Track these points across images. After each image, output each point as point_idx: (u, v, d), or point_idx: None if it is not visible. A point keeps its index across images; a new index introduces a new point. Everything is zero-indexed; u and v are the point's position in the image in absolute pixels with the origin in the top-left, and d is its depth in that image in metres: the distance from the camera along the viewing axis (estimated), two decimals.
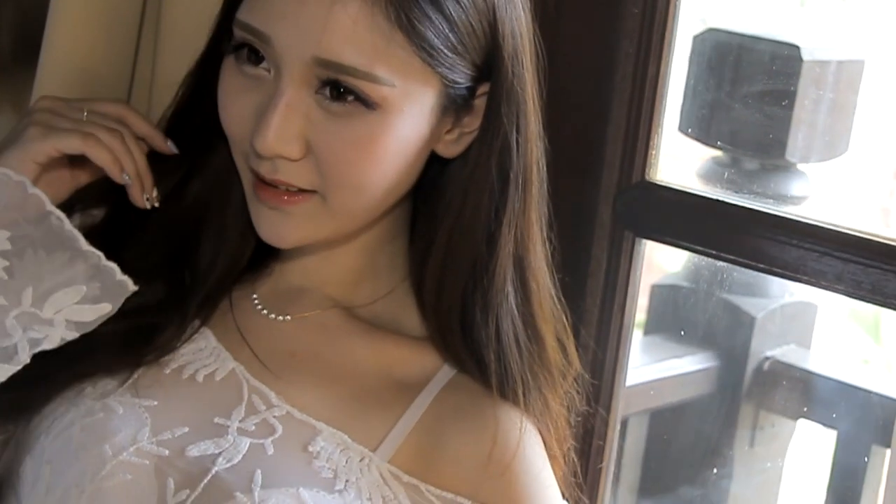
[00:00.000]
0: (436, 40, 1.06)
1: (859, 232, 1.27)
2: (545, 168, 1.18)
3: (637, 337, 2.03)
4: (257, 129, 1.06)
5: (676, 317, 2.01)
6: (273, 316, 1.19)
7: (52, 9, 1.28)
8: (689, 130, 1.91)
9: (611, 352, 1.43)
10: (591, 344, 1.42)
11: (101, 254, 1.09)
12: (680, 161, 2.10)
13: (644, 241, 1.42)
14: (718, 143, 1.87)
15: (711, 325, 1.99)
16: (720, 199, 1.39)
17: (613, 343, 1.43)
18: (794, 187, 1.90)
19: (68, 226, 1.09)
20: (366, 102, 1.06)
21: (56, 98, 1.16)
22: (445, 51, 1.07)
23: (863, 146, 1.87)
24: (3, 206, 1.07)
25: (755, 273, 1.95)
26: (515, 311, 1.16)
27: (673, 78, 1.42)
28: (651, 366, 1.94)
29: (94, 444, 1.07)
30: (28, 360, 1.07)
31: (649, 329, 2.03)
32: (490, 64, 1.11)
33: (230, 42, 1.10)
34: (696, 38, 1.77)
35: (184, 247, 1.19)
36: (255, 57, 1.08)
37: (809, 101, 1.81)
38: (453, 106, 1.11)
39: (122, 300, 1.09)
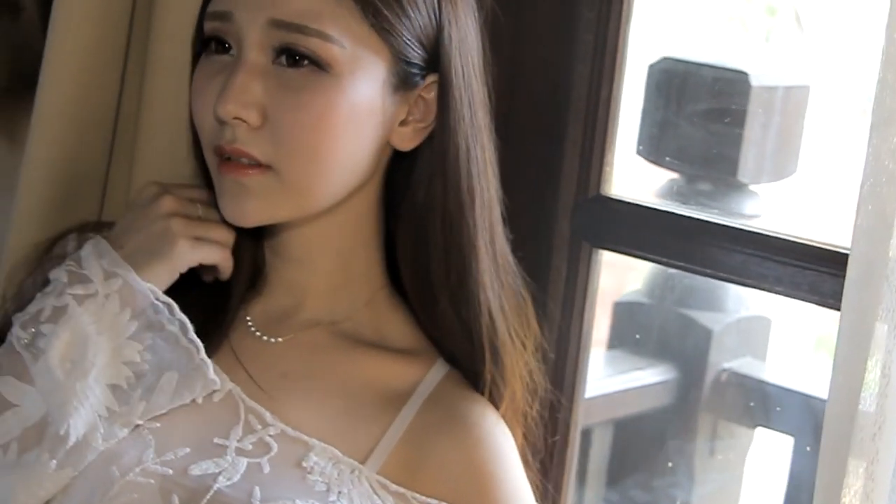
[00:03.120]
0: (383, 9, 1.15)
1: (796, 238, 1.37)
2: (496, 161, 1.27)
3: (601, 352, 2.12)
4: (219, 96, 1.15)
5: (637, 331, 2.10)
6: (266, 338, 1.26)
7: (48, 46, 1.35)
8: (644, 151, 2.01)
9: (571, 357, 1.51)
10: (550, 354, 1.50)
11: (210, 365, 1.17)
12: (638, 182, 2.20)
13: (600, 251, 1.51)
14: (671, 162, 1.97)
15: (671, 338, 2.07)
16: (671, 210, 1.49)
17: (574, 349, 1.51)
18: (748, 206, 1.99)
19: (200, 356, 1.17)
20: (318, 63, 1.14)
21: (175, 197, 1.22)
22: (393, 21, 1.16)
23: (810, 167, 1.97)
24: (145, 323, 1.16)
25: (712, 288, 2.06)
26: (497, 286, 1.25)
27: (630, 103, 1.51)
28: (614, 378, 2.02)
29: (103, 466, 1.13)
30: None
31: (613, 344, 2.11)
32: (437, 55, 1.20)
33: (201, 44, 1.20)
34: (651, 66, 1.87)
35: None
36: (222, 48, 1.18)
37: (758, 124, 1.91)
38: (403, 87, 1.19)
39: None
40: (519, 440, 1.27)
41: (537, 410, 1.31)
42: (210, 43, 1.19)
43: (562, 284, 1.50)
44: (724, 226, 1.42)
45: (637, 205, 1.50)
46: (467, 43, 1.22)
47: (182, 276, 1.21)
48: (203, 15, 1.20)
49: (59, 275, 1.18)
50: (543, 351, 1.34)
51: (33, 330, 1.16)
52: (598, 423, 2.02)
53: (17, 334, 1.16)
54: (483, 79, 1.25)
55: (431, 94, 1.21)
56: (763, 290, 1.39)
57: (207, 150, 1.20)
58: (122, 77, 1.41)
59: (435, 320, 1.25)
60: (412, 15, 1.17)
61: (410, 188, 1.24)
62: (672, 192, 1.99)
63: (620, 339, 2.11)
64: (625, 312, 2.10)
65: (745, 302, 2.07)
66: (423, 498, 1.17)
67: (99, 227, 1.31)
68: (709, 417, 2.03)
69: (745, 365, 2.05)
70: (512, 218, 1.41)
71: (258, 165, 1.16)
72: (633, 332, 2.10)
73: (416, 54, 1.19)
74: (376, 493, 1.16)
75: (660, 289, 2.07)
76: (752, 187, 1.99)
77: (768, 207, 2.00)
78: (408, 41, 1.18)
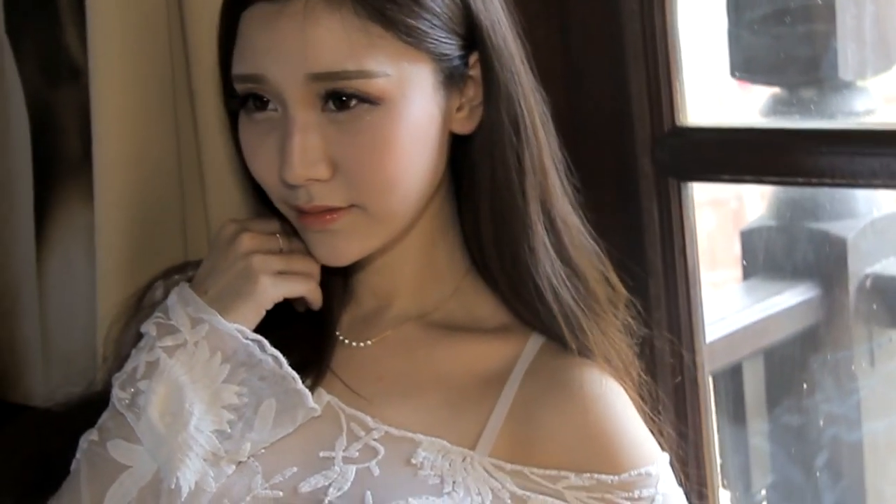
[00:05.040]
0: (410, 20, 1.12)
1: (872, 126, 1.30)
2: (549, 117, 1.23)
3: (736, 284, 2.07)
4: (282, 162, 1.13)
5: (770, 256, 2.04)
6: (355, 344, 1.25)
7: (94, 105, 1.38)
8: (739, 74, 1.95)
9: (682, 298, 1.46)
10: (661, 295, 1.46)
11: (309, 394, 1.17)
12: (739, 104, 2.14)
13: (689, 183, 1.47)
14: (768, 77, 1.91)
15: (805, 256, 2.00)
16: (757, 126, 1.44)
17: (683, 289, 1.47)
18: (858, 104, 1.91)
19: (297, 386, 1.16)
20: (368, 100, 1.12)
21: (253, 234, 1.22)
22: (423, 28, 1.13)
23: None
24: (238, 364, 1.16)
25: (837, 197, 1.98)
26: (552, 252, 1.21)
27: (711, 30, 1.46)
28: (755, 307, 1.96)
29: (215, 501, 1.13)
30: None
31: (747, 274, 2.05)
32: (472, 32, 1.17)
33: (237, 99, 1.18)
34: None
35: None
36: (261, 103, 1.16)
37: (850, 16, 1.83)
38: (452, 80, 1.17)
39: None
40: (633, 399, 1.23)
41: (645, 368, 1.27)
42: (248, 101, 1.17)
43: (657, 227, 1.46)
44: (805, 130, 1.36)
45: (718, 129, 1.46)
46: (493, 6, 1.20)
47: (281, 309, 1.21)
48: (227, 72, 1.18)
49: (148, 328, 1.20)
50: (643, 301, 1.30)
51: (132, 389, 1.17)
52: (746, 357, 1.97)
53: (118, 395, 1.18)
54: (518, 46, 1.22)
55: (477, 71, 1.19)
56: (860, 187, 1.33)
57: (280, 203, 1.19)
58: (175, 119, 1.42)
59: (510, 295, 1.23)
60: (437, 10, 1.14)
61: (472, 167, 1.22)
62: (776, 107, 1.93)
63: (754, 267, 2.05)
64: (754, 239, 2.04)
65: (875, 202, 1.99)
66: (542, 471, 1.15)
67: (184, 268, 1.32)
68: (861, 327, 1.96)
69: (889, 266, 1.97)
70: (589, 170, 1.39)
71: (341, 208, 1.16)
72: (766, 257, 2.04)
73: (453, 45, 1.16)
74: (493, 477, 1.15)
75: (784, 208, 2.00)
76: (858, 84, 1.91)
77: (880, 101, 1.92)
78: (442, 39, 1.15)
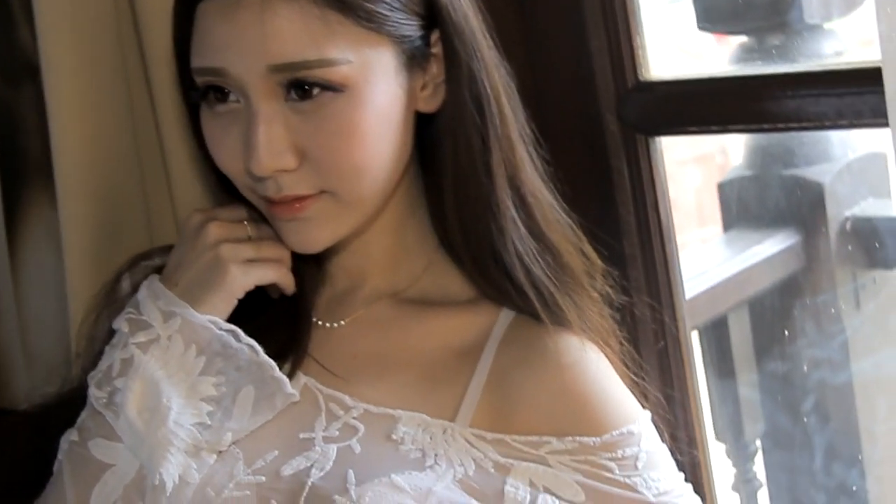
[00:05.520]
0: (368, 5, 1.11)
1: (836, 66, 1.29)
2: (514, 91, 1.22)
3: (717, 236, 2.06)
4: (248, 155, 1.12)
5: (748, 206, 2.03)
6: (329, 325, 1.25)
7: (49, 103, 1.37)
8: (705, 26, 1.94)
9: (658, 255, 1.45)
10: (637, 254, 1.46)
11: (287, 381, 1.16)
12: (709, 57, 2.13)
13: (657, 138, 1.46)
14: (733, 27, 1.90)
15: (784, 203, 2.00)
16: (714, 76, 1.42)
17: (658, 245, 1.45)
18: (826, 46, 1.90)
19: (274, 373, 1.16)
20: (331, 87, 1.11)
21: (220, 223, 1.21)
22: (382, 11, 1.12)
23: None
24: (214, 355, 1.15)
25: (811, 142, 1.98)
26: (522, 228, 1.20)
27: None
28: (736, 258, 1.96)
29: (199, 491, 1.13)
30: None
31: (727, 225, 2.05)
32: (432, 10, 1.16)
33: (196, 91, 1.17)
34: None
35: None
36: (222, 94, 1.14)
37: None
38: (414, 60, 1.16)
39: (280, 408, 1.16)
40: (616, 367, 1.22)
41: (627, 336, 1.27)
42: (208, 93, 1.15)
43: (627, 186, 1.45)
44: (765, 75, 1.35)
45: (681, 81, 1.44)
46: None
47: (254, 296, 1.20)
48: (183, 65, 1.17)
49: (120, 324, 1.19)
50: (618, 266, 1.30)
51: (109, 388, 1.16)
52: (731, 308, 1.96)
53: (95, 394, 1.17)
54: (478, 20, 1.20)
55: (439, 48, 1.18)
56: (826, 129, 1.32)
57: (248, 193, 1.18)
58: (132, 112, 1.41)
59: (476, 273, 1.22)
60: None
61: (435, 147, 1.21)
62: (744, 56, 1.92)
63: (733, 218, 2.04)
64: (731, 191, 2.03)
65: (850, 145, 1.98)
66: (524, 437, 1.14)
67: (150, 255, 1.31)
68: (845, 270, 1.95)
69: (868, 207, 1.97)
70: (556, 133, 1.38)
71: (310, 196, 1.15)
72: (744, 208, 2.03)
73: (413, 25, 1.15)
74: (474, 447, 1.14)
75: (759, 157, 2.00)
76: (825, 27, 1.90)
77: (854, 44, 1.91)
78: (402, 21, 1.14)
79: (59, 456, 1.19)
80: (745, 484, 2.06)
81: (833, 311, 1.94)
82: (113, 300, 1.29)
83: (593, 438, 1.14)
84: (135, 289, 1.25)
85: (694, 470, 1.47)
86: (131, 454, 1.15)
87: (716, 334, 1.97)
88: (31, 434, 1.27)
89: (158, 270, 1.24)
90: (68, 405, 1.23)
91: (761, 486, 2.05)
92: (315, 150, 1.12)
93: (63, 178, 1.36)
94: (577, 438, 1.13)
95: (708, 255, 1.99)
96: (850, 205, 1.96)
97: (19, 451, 1.27)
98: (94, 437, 1.17)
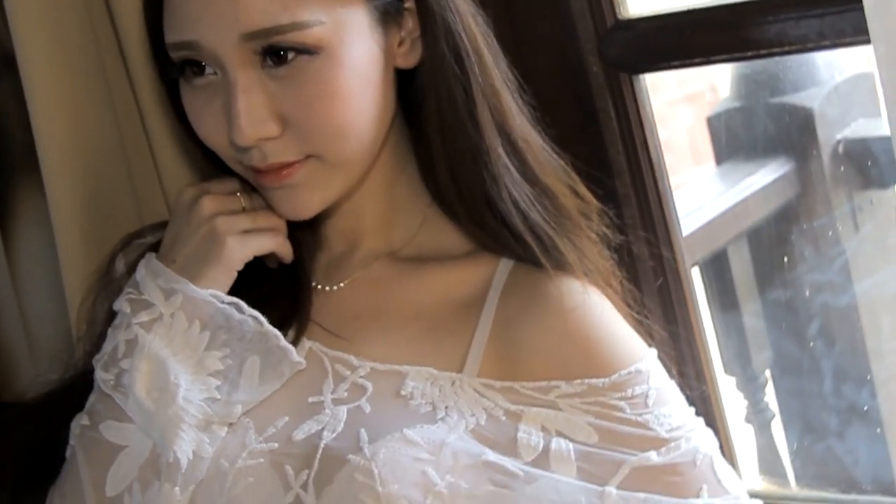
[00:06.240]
0: None
1: None
2: (493, 39, 1.21)
3: (710, 170, 2.06)
4: (230, 126, 1.12)
5: (738, 138, 2.03)
6: (328, 288, 1.25)
7: (28, 92, 1.36)
8: None
9: (651, 193, 1.45)
10: (630, 193, 1.45)
11: (292, 349, 1.16)
12: None
13: (641, 76, 1.45)
14: None
15: (775, 131, 1.99)
16: (692, 8, 1.41)
17: (651, 183, 1.45)
18: None
19: (280, 342, 1.16)
20: (306, 51, 1.10)
21: (214, 196, 1.21)
22: None
23: None
24: (217, 329, 1.15)
25: (799, 67, 1.97)
26: (516, 174, 1.19)
27: None
28: (731, 191, 1.95)
29: (213, 463, 1.13)
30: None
31: (719, 159, 2.05)
32: None
33: (173, 67, 1.16)
34: None
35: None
36: (198, 68, 1.14)
37: None
38: (388, 16, 1.15)
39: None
40: (618, 307, 1.22)
41: (626, 275, 1.26)
42: (185, 68, 1.15)
43: (615, 126, 1.44)
44: (745, 1, 1.34)
45: (660, 16, 1.43)
46: None
47: (253, 266, 1.20)
48: (156, 41, 1.17)
49: (121, 305, 1.19)
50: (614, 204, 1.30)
51: (116, 370, 1.16)
52: (731, 241, 1.96)
53: (102, 377, 1.17)
54: None
55: (412, 2, 1.17)
56: (809, 51, 1.31)
57: (234, 164, 1.18)
58: (109, 93, 1.41)
59: (472, 225, 1.21)
60: None
61: (419, 102, 1.20)
62: None
63: (725, 151, 2.04)
64: (721, 124, 2.03)
65: (836, 67, 1.98)
66: (533, 383, 1.14)
67: (142, 233, 1.31)
68: (841, 193, 1.95)
69: (859, 128, 1.96)
70: (538, 78, 1.37)
71: (297, 161, 1.14)
72: (734, 139, 2.03)
73: None
74: (484, 396, 1.14)
75: (746, 87, 1.99)
76: None
77: None
78: None
79: (72, 441, 1.20)
80: (757, 415, 2.06)
81: (831, 234, 1.94)
82: (109, 281, 1.28)
83: (602, 379, 1.13)
84: (130, 268, 1.25)
85: (705, 405, 1.48)
86: (143, 434, 1.15)
87: (716, 268, 1.97)
88: (41, 422, 1.26)
89: (152, 248, 1.24)
90: (74, 390, 1.23)
91: (774, 416, 2.06)
92: (296, 114, 1.12)
93: (48, 165, 1.36)
94: (586, 380, 1.13)
95: (702, 189, 1.98)
96: (840, 127, 1.95)
97: (30, 439, 1.26)
98: (104, 419, 1.17)
